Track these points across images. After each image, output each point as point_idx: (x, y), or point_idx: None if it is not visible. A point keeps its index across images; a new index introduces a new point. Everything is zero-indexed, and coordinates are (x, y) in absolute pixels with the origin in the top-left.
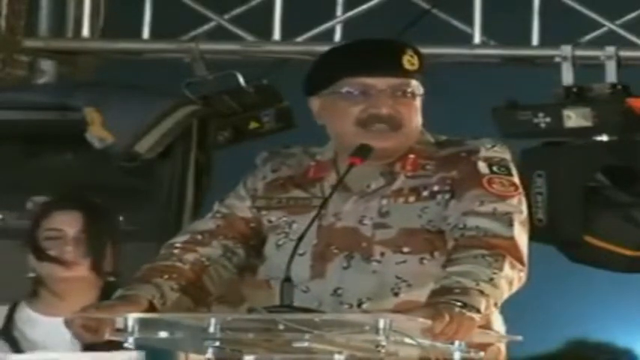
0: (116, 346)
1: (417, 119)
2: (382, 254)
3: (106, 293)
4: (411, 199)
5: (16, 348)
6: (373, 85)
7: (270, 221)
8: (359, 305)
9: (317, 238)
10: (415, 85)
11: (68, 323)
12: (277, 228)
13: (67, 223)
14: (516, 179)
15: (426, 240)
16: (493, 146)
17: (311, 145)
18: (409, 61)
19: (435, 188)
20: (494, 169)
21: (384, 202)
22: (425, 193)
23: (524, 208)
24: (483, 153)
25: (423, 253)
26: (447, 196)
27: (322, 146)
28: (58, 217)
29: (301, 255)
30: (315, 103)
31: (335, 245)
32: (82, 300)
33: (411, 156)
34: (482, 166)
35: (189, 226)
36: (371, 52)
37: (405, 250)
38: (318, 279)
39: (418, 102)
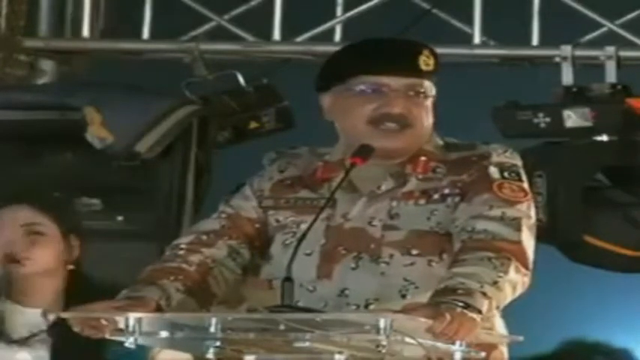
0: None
1: (428, 120)
2: (391, 256)
3: (69, 282)
4: (421, 201)
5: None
6: (387, 84)
7: (277, 221)
8: (366, 306)
9: (325, 238)
10: (428, 86)
11: (71, 320)
12: (285, 228)
13: (10, 219)
14: (526, 185)
15: (435, 242)
16: (504, 152)
17: (317, 146)
18: (425, 62)
19: (446, 191)
20: (505, 174)
21: (394, 203)
22: (435, 196)
23: (532, 213)
24: (495, 158)
25: (431, 256)
26: (457, 199)
27: (323, 146)
28: (4, 214)
29: (308, 255)
30: (326, 99)
31: (343, 246)
32: (49, 292)
33: (423, 158)
34: (494, 171)
35: (194, 226)
36: (388, 51)
37: (414, 252)
38: (325, 279)
39: (430, 103)
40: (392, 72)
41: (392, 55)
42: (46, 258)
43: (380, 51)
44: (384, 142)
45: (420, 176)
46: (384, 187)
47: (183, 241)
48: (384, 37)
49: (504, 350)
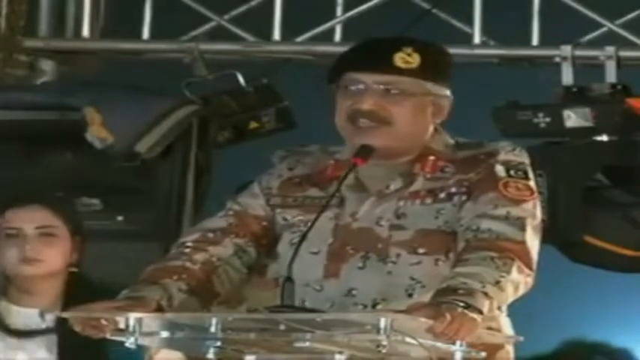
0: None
1: (414, 118)
2: (398, 255)
3: (70, 284)
4: (428, 200)
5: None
6: (363, 81)
7: (285, 219)
8: (373, 306)
9: (333, 237)
10: (411, 84)
11: (71, 319)
12: (292, 226)
13: (25, 220)
14: (532, 183)
15: (442, 241)
16: (512, 150)
17: (328, 145)
18: (403, 60)
19: (452, 190)
20: (512, 172)
21: (401, 203)
22: (442, 195)
23: (538, 212)
24: (502, 156)
25: (438, 254)
26: (464, 197)
27: (323, 146)
28: (15, 214)
29: (315, 254)
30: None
31: (351, 245)
32: (50, 293)
33: (431, 157)
34: (500, 170)
35: (201, 224)
36: (367, 49)
37: (421, 251)
38: (333, 278)
39: (416, 101)
40: (368, 69)
41: (369, 52)
42: (56, 260)
43: (363, 49)
44: (361, 139)
45: (428, 175)
46: (392, 187)
47: (189, 238)
48: (384, 37)
49: (510, 350)
